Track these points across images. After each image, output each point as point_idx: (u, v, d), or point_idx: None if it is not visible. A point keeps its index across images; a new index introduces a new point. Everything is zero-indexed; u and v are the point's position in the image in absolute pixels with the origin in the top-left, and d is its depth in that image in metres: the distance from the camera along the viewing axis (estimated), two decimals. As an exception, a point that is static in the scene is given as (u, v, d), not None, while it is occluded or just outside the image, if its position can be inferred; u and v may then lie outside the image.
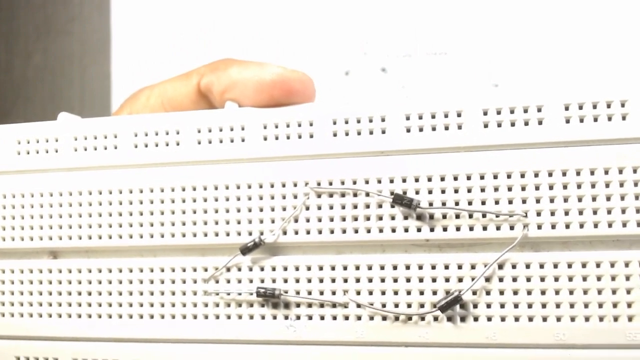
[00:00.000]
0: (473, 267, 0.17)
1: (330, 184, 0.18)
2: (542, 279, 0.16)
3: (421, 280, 0.17)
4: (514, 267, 0.17)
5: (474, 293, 0.17)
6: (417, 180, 0.17)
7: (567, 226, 0.16)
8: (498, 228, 0.17)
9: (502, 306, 0.16)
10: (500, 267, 0.17)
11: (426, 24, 0.34)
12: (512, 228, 0.17)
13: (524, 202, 0.17)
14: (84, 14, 0.39)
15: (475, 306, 0.17)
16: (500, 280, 0.17)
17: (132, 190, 0.19)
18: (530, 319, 0.16)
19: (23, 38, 0.40)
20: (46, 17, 0.40)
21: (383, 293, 0.17)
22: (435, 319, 0.17)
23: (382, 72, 0.34)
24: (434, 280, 0.17)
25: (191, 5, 0.37)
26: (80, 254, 0.19)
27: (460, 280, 0.17)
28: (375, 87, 0.34)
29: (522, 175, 0.17)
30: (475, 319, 0.17)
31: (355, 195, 0.17)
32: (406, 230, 0.17)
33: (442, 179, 0.17)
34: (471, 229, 0.17)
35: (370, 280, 0.17)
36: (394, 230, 0.17)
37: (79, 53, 0.40)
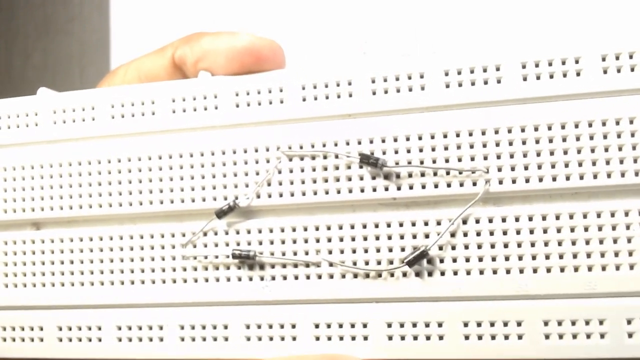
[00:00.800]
0: (439, 223, 0.17)
1: (301, 147, 0.18)
2: (505, 233, 0.17)
3: (389, 237, 0.18)
4: (477, 221, 0.17)
5: (440, 248, 0.17)
6: (383, 141, 0.18)
7: (527, 180, 0.17)
8: (461, 184, 0.17)
9: (467, 260, 0.17)
10: (465, 222, 0.17)
11: (425, 23, 0.34)
12: (474, 184, 0.17)
13: (485, 158, 0.17)
14: (84, 14, 0.39)
15: (441, 261, 0.17)
16: (465, 235, 0.17)
17: (111, 160, 0.19)
18: (495, 272, 0.17)
19: (22, 38, 0.41)
20: (46, 17, 0.40)
21: (354, 251, 0.18)
22: (404, 274, 0.17)
23: None
24: (401, 237, 0.18)
25: (191, 6, 0.38)
26: (62, 224, 0.20)
27: (427, 236, 0.17)
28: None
29: (483, 133, 0.17)
30: (442, 273, 0.17)
31: (325, 157, 0.18)
32: (374, 189, 0.18)
33: (407, 139, 0.18)
34: (436, 186, 0.17)
35: (341, 240, 0.18)
36: (362, 190, 0.18)
37: (78, 53, 0.40)
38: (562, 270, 0.17)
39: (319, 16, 0.36)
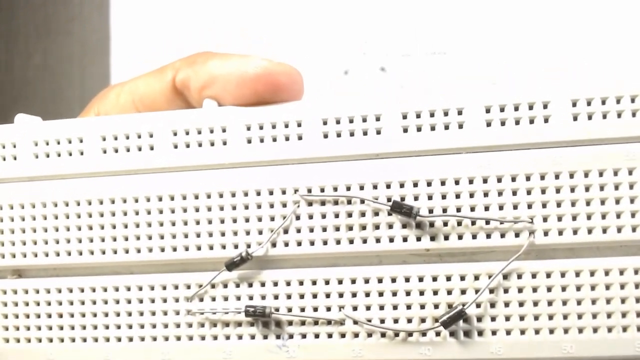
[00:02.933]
0: (476, 277, 0.16)
1: (322, 190, 0.16)
2: (549, 289, 0.16)
3: (422, 293, 0.16)
4: (519, 277, 0.16)
5: (478, 306, 0.16)
6: (415, 185, 0.16)
7: (575, 232, 0.16)
8: (502, 235, 0.16)
9: (508, 319, 0.16)
10: (505, 277, 0.16)
11: (425, 23, 0.34)
12: (517, 235, 0.16)
13: (529, 207, 0.16)
14: (84, 14, 0.39)
15: (479, 320, 0.16)
16: (505, 291, 0.16)
17: (103, 201, 0.17)
18: (537, 332, 0.16)
19: (23, 38, 0.40)
20: (46, 17, 0.40)
21: (381, 308, 0.16)
22: (438, 334, 0.16)
23: (381, 71, 0.34)
24: (435, 293, 0.16)
25: (191, 6, 0.37)
26: (48, 272, 0.18)
27: (463, 292, 0.16)
28: (374, 86, 0.34)
29: (528, 178, 0.16)
30: (480, 334, 0.16)
31: (349, 202, 0.16)
32: (405, 239, 0.16)
33: (443, 184, 0.16)
34: (474, 237, 0.16)
35: (367, 295, 0.16)
36: (391, 240, 0.16)
37: (78, 53, 0.40)
38: (609, 330, 0.15)
39: (319, 16, 0.35)
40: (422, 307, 0.16)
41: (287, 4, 0.35)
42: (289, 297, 0.16)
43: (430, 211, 0.16)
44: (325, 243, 0.16)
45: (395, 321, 0.16)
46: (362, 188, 0.16)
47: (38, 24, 0.40)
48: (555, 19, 0.32)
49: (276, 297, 0.16)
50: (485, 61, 0.32)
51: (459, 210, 0.16)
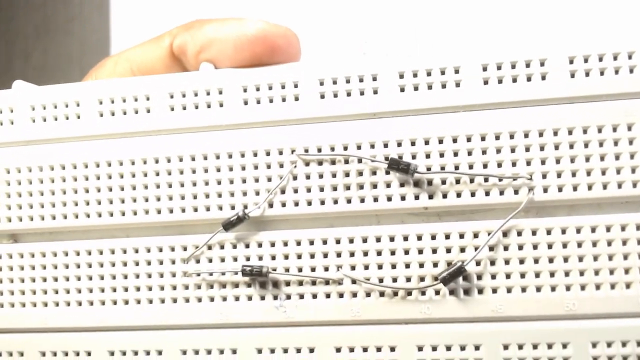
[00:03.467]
0: (476, 235, 0.16)
1: (319, 150, 0.16)
2: (550, 246, 0.15)
3: (420, 251, 0.16)
4: (519, 234, 0.16)
5: (478, 263, 0.16)
6: (413, 143, 0.16)
7: (575, 188, 0.15)
8: (501, 192, 0.16)
9: (508, 276, 0.15)
10: (505, 234, 0.16)
11: (425, 23, 0.34)
12: (516, 192, 0.16)
13: (528, 163, 0.16)
14: (84, 14, 0.39)
15: (479, 277, 0.16)
16: (505, 248, 0.16)
17: (99, 164, 0.17)
18: (538, 289, 0.15)
19: (22, 38, 0.40)
20: (46, 17, 0.40)
21: (380, 267, 0.16)
22: (437, 292, 0.16)
23: None
24: (434, 251, 0.16)
25: (191, 6, 0.37)
26: (44, 236, 0.18)
27: (462, 250, 0.16)
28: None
29: (526, 135, 0.16)
30: (480, 291, 0.16)
31: (346, 162, 0.16)
32: (403, 198, 0.16)
33: (440, 142, 0.16)
34: (473, 194, 0.16)
35: (365, 254, 0.16)
36: (389, 199, 0.16)
37: (78, 53, 0.40)
38: (612, 287, 0.15)
39: (319, 16, 0.36)
40: (421, 265, 0.16)
41: (287, 4, 0.36)
42: (286, 257, 0.16)
43: (428, 169, 0.16)
44: (322, 203, 0.16)
45: (394, 280, 0.16)
46: (359, 147, 0.16)
47: (38, 24, 0.40)
48: (556, 19, 0.32)
49: (273, 258, 0.16)
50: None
51: (457, 168, 0.16)
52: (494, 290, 0.16)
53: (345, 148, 0.16)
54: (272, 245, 0.16)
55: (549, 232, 0.16)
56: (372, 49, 0.35)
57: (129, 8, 0.38)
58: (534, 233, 0.16)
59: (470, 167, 0.16)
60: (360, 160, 0.16)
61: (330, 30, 0.36)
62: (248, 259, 0.16)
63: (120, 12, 0.39)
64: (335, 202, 0.16)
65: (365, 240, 0.16)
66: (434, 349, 0.16)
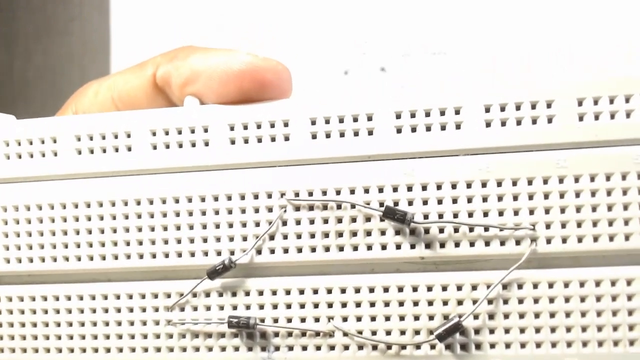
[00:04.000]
0: (474, 287, 0.15)
1: (310, 194, 0.15)
2: (552, 300, 0.15)
3: (416, 303, 0.15)
4: (520, 287, 0.15)
5: (476, 317, 0.15)
6: (409, 189, 0.15)
7: (580, 240, 0.15)
8: (502, 243, 0.15)
9: (507, 332, 0.15)
10: (505, 287, 0.15)
11: (425, 23, 0.33)
12: (518, 243, 0.15)
13: (531, 213, 0.15)
14: (84, 14, 0.39)
15: (477, 332, 0.15)
16: (505, 302, 0.15)
17: (78, 205, 0.16)
18: (538, 345, 0.15)
19: (23, 38, 0.40)
20: (46, 18, 0.40)
21: (373, 319, 0.15)
22: (432, 347, 0.15)
23: (381, 71, 0.33)
24: (430, 303, 0.15)
25: (190, 6, 0.37)
26: (22, 279, 0.17)
27: (459, 302, 0.15)
28: (374, 86, 0.34)
29: (530, 182, 0.15)
30: (477, 347, 0.15)
31: (339, 207, 0.15)
32: (398, 247, 0.15)
33: (439, 188, 0.15)
34: (472, 244, 0.15)
35: (358, 305, 0.15)
36: (384, 248, 0.15)
37: (79, 53, 0.40)
38: (615, 344, 0.15)
39: (319, 16, 0.35)
40: (417, 318, 0.15)
41: (287, 4, 0.35)
42: (275, 307, 0.16)
43: (426, 217, 0.15)
44: (313, 250, 0.15)
45: (388, 333, 0.15)
46: (352, 192, 0.15)
47: (38, 25, 0.40)
48: (556, 19, 0.31)
49: (261, 307, 0.16)
50: (485, 61, 0.32)
51: (456, 216, 0.15)
52: (492, 346, 0.15)
53: (338, 192, 0.15)
54: (260, 294, 0.16)
55: (551, 286, 0.15)
56: (372, 49, 0.34)
57: (129, 8, 0.38)
58: (535, 286, 0.15)
59: (470, 215, 0.15)
60: (353, 206, 0.15)
61: (331, 30, 0.35)
62: (235, 307, 0.16)
63: (120, 12, 0.38)
64: (327, 249, 0.15)
65: (358, 291, 0.15)
66: (429, 404, 0.15)
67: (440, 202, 0.15)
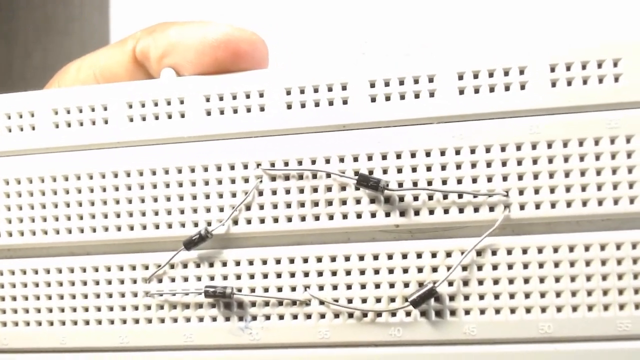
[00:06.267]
0: (449, 254, 0.15)
1: (286, 164, 0.16)
2: (526, 266, 0.15)
3: (391, 271, 0.15)
4: (494, 253, 0.15)
5: (450, 284, 0.15)
6: (384, 157, 0.15)
7: (553, 205, 0.15)
8: (476, 210, 0.15)
9: (482, 298, 0.15)
10: (479, 253, 0.15)
11: (425, 23, 0.34)
12: (491, 209, 0.15)
13: (504, 179, 0.15)
14: (84, 14, 0.39)
15: (451, 299, 0.15)
16: (479, 268, 0.15)
17: (56, 178, 0.16)
18: (513, 311, 0.15)
19: (22, 38, 0.41)
20: (46, 17, 0.40)
21: (349, 287, 0.15)
22: (408, 314, 0.15)
23: None
24: (405, 271, 0.15)
25: (190, 6, 0.37)
26: (1, 254, 0.17)
27: (434, 269, 0.15)
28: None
29: (503, 149, 0.15)
30: (452, 313, 0.15)
31: (314, 176, 0.16)
32: (373, 215, 0.15)
33: (413, 156, 0.15)
34: (446, 211, 0.15)
35: (334, 274, 0.16)
36: (359, 216, 0.15)
37: (78, 53, 0.40)
38: (590, 309, 0.15)
39: (318, 16, 0.35)
40: (392, 286, 0.15)
41: (287, 4, 0.35)
42: (251, 277, 0.16)
43: (400, 185, 0.15)
44: (289, 220, 0.16)
45: (364, 301, 0.15)
46: (328, 161, 0.16)
47: (38, 24, 0.40)
48: (556, 19, 0.32)
49: (238, 277, 0.16)
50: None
51: (430, 183, 0.15)
52: (467, 312, 0.15)
53: (313, 162, 0.16)
54: (237, 264, 0.16)
55: (524, 251, 0.15)
56: (371, 49, 0.35)
57: (129, 8, 0.38)
58: (509, 252, 0.15)
59: (444, 182, 0.15)
60: (328, 175, 0.15)
61: (331, 30, 0.35)
62: (212, 278, 0.16)
63: (120, 12, 0.39)
64: (303, 219, 0.16)
65: (333, 260, 0.16)
66: (405, 371, 0.15)
67: (414, 170, 0.15)
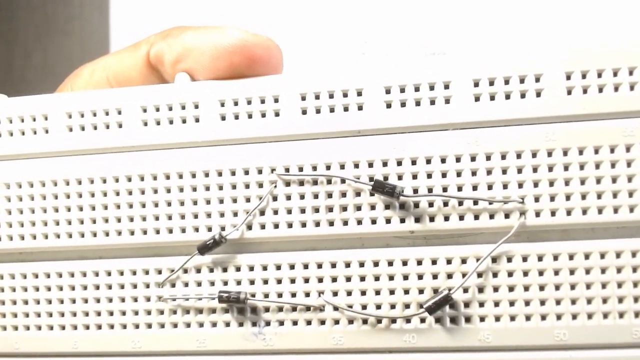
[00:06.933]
0: (464, 261, 0.15)
1: (300, 169, 0.16)
2: (541, 273, 0.15)
3: (406, 277, 0.15)
4: (509, 260, 0.15)
5: (465, 291, 0.15)
6: (399, 163, 0.15)
7: (569, 213, 0.15)
8: (491, 216, 0.15)
9: (497, 304, 0.15)
10: (494, 260, 0.15)
11: (425, 23, 0.34)
12: (507, 216, 0.15)
13: (520, 186, 0.15)
14: (84, 14, 0.40)
15: (466, 305, 0.15)
16: (495, 275, 0.15)
17: (69, 182, 0.16)
18: (528, 318, 0.15)
19: (22, 38, 0.41)
20: (46, 17, 0.40)
21: (363, 293, 0.15)
22: (422, 321, 0.15)
23: None
24: (420, 277, 0.15)
25: (190, 6, 0.38)
26: (13, 257, 0.17)
27: (449, 276, 0.15)
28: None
29: (519, 156, 0.15)
30: (467, 320, 0.15)
31: (329, 182, 0.16)
32: (388, 221, 0.15)
33: (428, 162, 0.15)
34: (461, 218, 0.15)
35: (348, 279, 0.16)
36: (374, 222, 0.15)
37: (78, 53, 0.40)
38: (605, 316, 0.15)
39: (318, 16, 0.36)
40: (406, 292, 0.15)
41: (287, 4, 0.35)
42: (265, 282, 0.16)
43: (415, 191, 0.15)
44: (303, 225, 0.16)
45: (378, 307, 0.15)
46: (342, 167, 0.16)
47: (38, 24, 0.40)
48: (556, 20, 0.32)
49: (252, 283, 0.16)
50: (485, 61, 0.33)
51: (445, 190, 0.15)
52: (482, 319, 0.15)
53: (328, 167, 0.16)
54: (251, 269, 0.16)
55: (540, 259, 0.15)
56: (372, 49, 0.35)
57: (129, 8, 0.39)
58: (524, 259, 0.15)
59: (459, 189, 0.15)
60: (343, 181, 0.16)
61: (330, 30, 0.35)
62: (226, 283, 0.16)
63: (120, 12, 0.39)
64: (317, 224, 0.16)
65: (348, 265, 0.16)
66: (419, 378, 0.15)
67: (429, 176, 0.15)
